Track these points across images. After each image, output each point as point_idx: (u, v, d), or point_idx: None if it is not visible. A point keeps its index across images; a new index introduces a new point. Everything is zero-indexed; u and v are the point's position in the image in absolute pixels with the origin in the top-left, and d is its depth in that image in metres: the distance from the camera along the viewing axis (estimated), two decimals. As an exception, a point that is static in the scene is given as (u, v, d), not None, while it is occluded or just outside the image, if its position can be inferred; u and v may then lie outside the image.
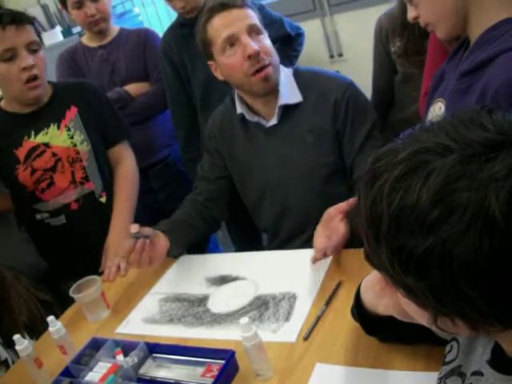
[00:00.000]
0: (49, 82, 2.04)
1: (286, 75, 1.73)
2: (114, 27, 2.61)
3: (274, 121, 1.72)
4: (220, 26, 1.62)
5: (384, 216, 0.64)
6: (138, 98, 2.52)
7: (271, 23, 2.33)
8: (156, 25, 3.97)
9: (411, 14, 1.22)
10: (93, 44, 2.57)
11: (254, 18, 1.65)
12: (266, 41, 1.65)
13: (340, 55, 3.44)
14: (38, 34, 1.95)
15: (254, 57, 1.59)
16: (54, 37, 3.84)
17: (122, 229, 1.95)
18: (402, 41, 2.15)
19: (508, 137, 0.61)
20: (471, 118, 0.65)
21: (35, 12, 3.91)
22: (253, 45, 1.59)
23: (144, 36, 2.58)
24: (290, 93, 1.70)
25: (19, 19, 1.84)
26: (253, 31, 1.62)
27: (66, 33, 3.88)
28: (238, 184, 1.89)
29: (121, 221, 2.00)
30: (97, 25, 2.49)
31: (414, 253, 0.61)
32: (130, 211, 2.04)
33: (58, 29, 3.92)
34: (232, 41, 1.61)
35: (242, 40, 1.60)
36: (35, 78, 1.88)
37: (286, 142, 1.73)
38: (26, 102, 1.95)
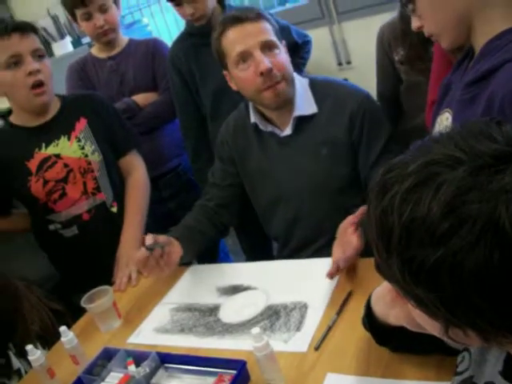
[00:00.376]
0: (57, 95, 2.07)
1: (302, 85, 1.72)
2: (123, 38, 2.62)
3: (288, 131, 1.72)
4: (233, 40, 1.63)
5: (395, 227, 0.64)
6: (145, 107, 2.53)
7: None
8: (165, 35, 3.99)
9: (415, 24, 1.22)
10: (102, 55, 2.59)
11: (269, 31, 1.64)
12: (280, 56, 1.64)
13: (348, 63, 3.44)
14: (44, 44, 1.98)
15: (267, 74, 1.59)
16: (64, 47, 3.87)
17: (133, 240, 1.97)
18: (404, 49, 2.15)
19: None
20: (481, 130, 0.65)
21: (45, 23, 3.95)
22: (266, 62, 1.59)
23: (153, 46, 2.59)
24: (305, 104, 1.70)
25: (23, 27, 1.88)
26: (266, 46, 1.62)
27: (76, 43, 3.91)
28: (249, 191, 1.89)
29: (132, 232, 2.01)
30: (105, 35, 2.50)
31: (424, 264, 0.61)
32: (141, 222, 2.05)
33: (68, 39, 3.95)
34: (245, 56, 1.61)
35: (255, 56, 1.60)
36: (41, 83, 1.90)
37: (299, 153, 1.73)
38: (33, 110, 1.97)
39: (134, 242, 1.96)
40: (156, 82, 2.55)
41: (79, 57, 2.67)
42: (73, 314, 1.82)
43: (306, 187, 1.73)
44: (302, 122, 1.70)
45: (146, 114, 2.52)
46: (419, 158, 0.66)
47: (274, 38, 1.64)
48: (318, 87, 1.74)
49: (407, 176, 0.65)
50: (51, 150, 1.97)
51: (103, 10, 2.44)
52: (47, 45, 3.83)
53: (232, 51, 1.63)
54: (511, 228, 0.57)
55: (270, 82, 1.61)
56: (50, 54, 3.75)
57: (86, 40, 3.79)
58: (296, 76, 1.71)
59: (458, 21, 1.12)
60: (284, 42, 1.70)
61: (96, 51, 2.62)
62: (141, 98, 2.52)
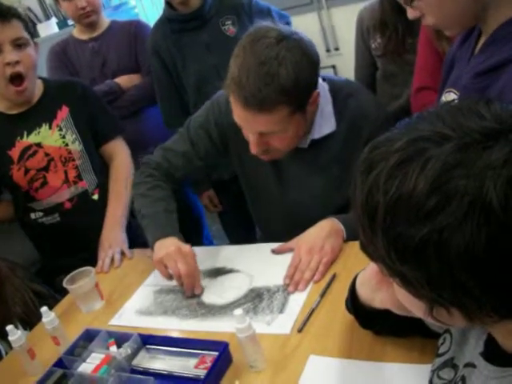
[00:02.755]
0: (40, 78, 2.04)
1: (323, 94, 1.58)
2: (105, 20, 2.60)
3: (302, 144, 1.62)
4: None
5: (380, 205, 0.63)
6: (128, 90, 2.50)
7: (259, 12, 2.31)
8: (152, 17, 3.95)
9: (411, 14, 1.20)
10: (83, 37, 2.56)
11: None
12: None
13: (336, 49, 3.44)
14: (29, 30, 1.92)
15: None
16: (49, 28, 3.83)
17: (116, 223, 1.96)
18: (382, 39, 2.13)
19: (506, 125, 0.61)
20: (469, 107, 0.64)
21: (30, 3, 3.91)
22: None
23: (135, 27, 2.58)
24: (325, 122, 1.59)
25: (4, 14, 1.81)
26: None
27: (62, 24, 3.87)
28: (247, 190, 1.85)
29: (115, 215, 2.00)
30: (87, 17, 2.49)
31: (410, 241, 0.61)
32: (123, 205, 2.03)
33: (54, 20, 3.91)
34: None
35: None
36: (19, 75, 1.86)
37: (309, 167, 1.66)
38: (12, 101, 1.95)
39: (116, 224, 1.95)
40: (139, 64, 2.53)
41: (60, 39, 2.64)
42: (55, 296, 1.81)
43: (308, 200, 1.68)
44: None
45: (128, 96, 2.50)
46: (406, 134, 0.65)
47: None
48: (340, 97, 1.61)
49: (393, 153, 0.64)
50: (32, 138, 1.96)
51: None
52: (33, 26, 3.79)
53: None
54: (499, 204, 0.57)
55: None
56: (36, 35, 3.70)
57: (71, 21, 3.75)
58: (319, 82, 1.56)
59: (464, 12, 1.10)
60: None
61: (77, 33, 2.59)
62: (124, 80, 2.50)
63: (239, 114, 1.47)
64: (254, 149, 1.52)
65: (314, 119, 1.58)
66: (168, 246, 1.54)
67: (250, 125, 1.48)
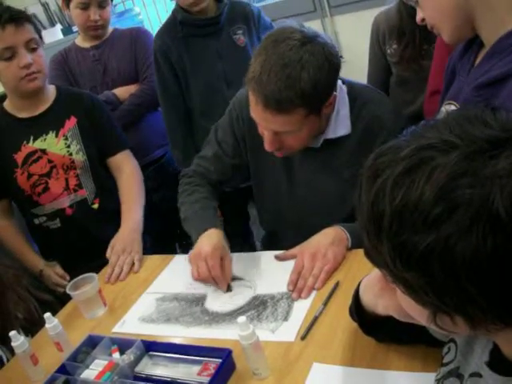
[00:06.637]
0: (55, 85, 2.10)
1: (341, 95, 1.59)
2: (108, 28, 2.60)
3: (315, 144, 1.62)
4: None
5: (386, 212, 0.63)
6: (125, 100, 2.50)
7: (264, 27, 2.31)
8: (156, 24, 3.97)
9: (419, 15, 1.22)
10: (86, 45, 2.57)
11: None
12: None
13: (340, 57, 3.43)
14: (38, 31, 1.98)
15: None
16: (54, 35, 3.84)
17: (135, 227, 1.95)
18: (398, 46, 2.13)
19: None
20: (475, 116, 0.64)
21: (35, 10, 3.92)
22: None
23: (135, 35, 2.58)
24: (340, 124, 1.59)
25: (18, 17, 1.87)
26: None
27: (66, 31, 3.88)
28: (256, 187, 1.85)
29: (134, 218, 1.99)
30: (95, 30, 2.51)
31: (415, 249, 0.61)
32: (140, 209, 2.03)
33: (58, 27, 3.92)
34: None
35: None
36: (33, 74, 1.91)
37: (321, 169, 1.65)
38: (25, 95, 1.98)
39: (136, 229, 1.94)
40: (137, 71, 2.53)
41: (63, 47, 2.66)
42: (60, 303, 1.81)
43: (317, 203, 1.68)
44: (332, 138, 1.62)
45: (125, 107, 2.49)
46: (413, 142, 0.65)
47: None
48: (359, 101, 1.60)
49: (400, 160, 0.64)
50: (38, 144, 2.01)
51: (102, 6, 2.46)
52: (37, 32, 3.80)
53: None
54: (505, 214, 0.57)
55: None
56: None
57: (76, 28, 3.76)
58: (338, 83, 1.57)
59: (455, 11, 1.11)
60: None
61: (80, 41, 2.61)
62: (122, 91, 2.51)
63: (257, 112, 1.48)
64: (268, 146, 1.54)
65: (330, 120, 1.59)
66: (196, 248, 1.59)
67: (267, 123, 1.50)
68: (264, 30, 2.28)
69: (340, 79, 1.60)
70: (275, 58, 1.39)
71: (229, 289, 1.57)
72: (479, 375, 0.76)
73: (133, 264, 1.84)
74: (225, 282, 1.56)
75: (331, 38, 1.52)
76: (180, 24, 2.25)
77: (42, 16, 3.99)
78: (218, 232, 1.61)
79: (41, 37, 2.00)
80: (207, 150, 1.84)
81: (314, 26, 3.33)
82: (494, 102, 1.06)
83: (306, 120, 1.47)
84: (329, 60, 1.42)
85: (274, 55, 1.40)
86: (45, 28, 3.92)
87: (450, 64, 1.33)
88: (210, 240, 1.58)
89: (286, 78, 1.38)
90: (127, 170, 2.15)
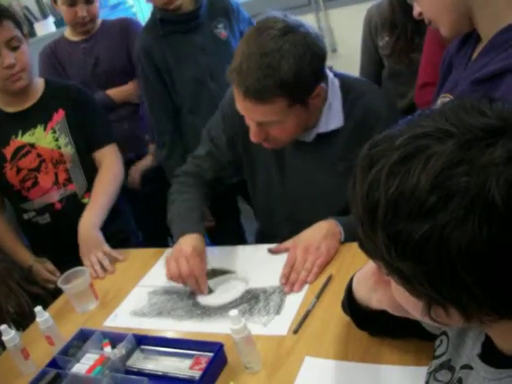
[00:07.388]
0: (43, 78, 2.08)
1: (333, 90, 1.57)
2: (97, 20, 2.58)
3: (307, 138, 1.61)
4: None
5: (381, 201, 0.63)
6: (119, 100, 2.51)
7: (243, 20, 2.31)
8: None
9: (416, 10, 1.22)
10: (75, 38, 2.55)
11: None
12: None
13: (334, 50, 3.43)
14: (19, 26, 1.92)
15: None
16: (46, 27, 3.81)
17: (89, 224, 1.90)
18: (390, 39, 2.13)
19: (508, 123, 0.61)
20: (471, 105, 0.64)
21: (28, 2, 3.89)
22: None
23: (126, 25, 2.56)
24: (333, 117, 1.58)
25: None
26: None
27: (59, 23, 3.83)
28: (249, 180, 1.84)
29: (91, 215, 1.93)
30: (84, 26, 2.48)
31: (411, 238, 0.60)
32: (103, 207, 1.98)
33: (51, 19, 3.89)
34: None
35: None
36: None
37: (313, 161, 1.64)
38: (11, 94, 1.96)
39: (90, 227, 1.89)
40: (131, 61, 2.50)
41: (52, 40, 2.63)
42: (52, 297, 1.81)
43: (311, 197, 1.67)
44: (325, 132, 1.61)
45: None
46: (408, 131, 0.65)
47: None
48: (351, 94, 1.59)
49: (395, 149, 0.63)
50: (27, 138, 1.98)
51: (89, 1, 2.43)
52: (29, 25, 3.77)
53: None
54: (502, 202, 0.56)
55: None
56: (32, 34, 3.69)
57: (68, 21, 3.74)
58: (329, 77, 1.57)
59: (452, 4, 1.10)
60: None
61: (69, 34, 2.59)
62: (115, 92, 2.51)
63: (239, 102, 1.48)
64: (253, 136, 1.54)
65: (321, 113, 1.57)
66: (176, 247, 1.57)
67: (249, 113, 1.50)
68: (243, 22, 2.28)
69: (332, 72, 1.59)
70: (255, 48, 1.39)
71: (210, 290, 1.56)
72: (470, 367, 0.75)
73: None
74: (206, 283, 1.55)
75: (318, 30, 1.51)
76: (160, 22, 2.21)
77: (34, 8, 3.95)
78: (197, 236, 1.59)
79: (31, 29, 1.95)
80: (200, 149, 1.82)
81: (308, 19, 3.36)
82: (493, 96, 1.06)
83: (290, 111, 1.45)
84: (311, 49, 1.41)
85: (255, 45, 1.40)
86: (37, 20, 3.89)
87: (446, 57, 1.32)
88: (191, 241, 1.56)
89: (265, 67, 1.38)
90: (104, 165, 2.10)
